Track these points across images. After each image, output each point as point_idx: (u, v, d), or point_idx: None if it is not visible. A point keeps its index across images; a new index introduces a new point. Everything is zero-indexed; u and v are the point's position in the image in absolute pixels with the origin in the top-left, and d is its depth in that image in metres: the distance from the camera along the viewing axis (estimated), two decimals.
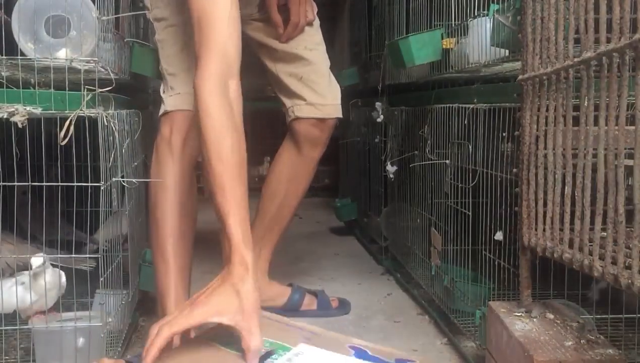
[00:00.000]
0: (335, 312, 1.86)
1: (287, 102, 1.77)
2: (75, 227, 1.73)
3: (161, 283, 1.58)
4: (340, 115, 1.78)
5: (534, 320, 1.17)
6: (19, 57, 1.23)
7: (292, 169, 1.80)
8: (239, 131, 1.22)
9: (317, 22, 1.77)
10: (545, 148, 1.11)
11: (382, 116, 2.35)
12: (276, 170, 1.82)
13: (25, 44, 1.28)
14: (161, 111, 1.64)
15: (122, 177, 1.43)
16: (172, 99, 1.61)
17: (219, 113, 1.20)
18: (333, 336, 1.23)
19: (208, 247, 2.68)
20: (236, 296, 1.08)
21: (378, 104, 2.37)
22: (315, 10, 1.75)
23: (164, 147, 1.62)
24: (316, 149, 1.78)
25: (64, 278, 1.41)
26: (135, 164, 1.66)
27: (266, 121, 4.04)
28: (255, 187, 1.87)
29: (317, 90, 1.74)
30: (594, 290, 1.60)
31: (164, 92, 1.65)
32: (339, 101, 1.77)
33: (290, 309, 1.84)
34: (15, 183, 1.24)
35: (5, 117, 1.17)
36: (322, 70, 1.76)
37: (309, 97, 1.73)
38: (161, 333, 1.02)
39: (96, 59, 1.26)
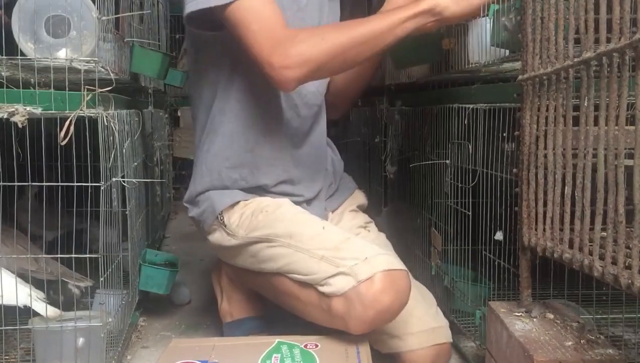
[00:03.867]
0: None
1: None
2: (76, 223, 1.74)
3: None
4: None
5: (534, 320, 1.17)
6: (19, 57, 1.24)
7: None
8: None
9: None
10: (545, 148, 1.11)
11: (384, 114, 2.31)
12: None
13: (25, 44, 1.28)
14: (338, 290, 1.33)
15: (122, 177, 1.43)
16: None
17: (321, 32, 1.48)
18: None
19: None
20: None
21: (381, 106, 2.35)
22: None
23: None
24: None
25: None
26: (135, 164, 1.66)
27: None
28: None
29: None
30: None
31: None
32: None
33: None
34: (15, 184, 1.24)
35: (5, 117, 1.17)
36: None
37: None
38: None
39: (96, 59, 1.26)
